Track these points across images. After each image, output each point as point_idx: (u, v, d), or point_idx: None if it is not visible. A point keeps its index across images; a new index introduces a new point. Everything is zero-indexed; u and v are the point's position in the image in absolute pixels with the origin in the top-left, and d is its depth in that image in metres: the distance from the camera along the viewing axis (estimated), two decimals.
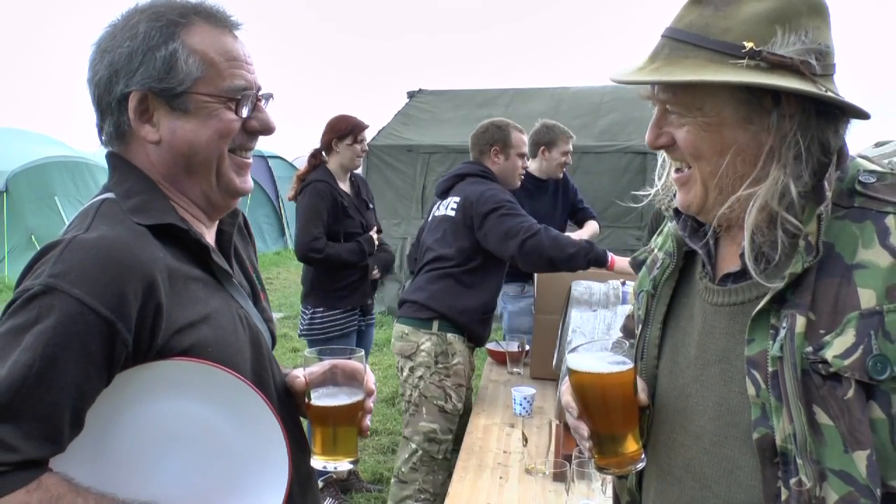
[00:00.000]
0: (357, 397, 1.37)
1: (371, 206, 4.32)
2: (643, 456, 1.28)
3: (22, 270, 1.17)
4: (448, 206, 3.59)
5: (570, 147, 4.62)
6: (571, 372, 1.29)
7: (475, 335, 3.53)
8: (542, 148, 4.58)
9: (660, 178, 1.36)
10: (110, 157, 1.33)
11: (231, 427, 1.22)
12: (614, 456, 1.27)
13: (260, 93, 1.34)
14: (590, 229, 4.77)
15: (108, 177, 1.33)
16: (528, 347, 3.90)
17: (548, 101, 9.50)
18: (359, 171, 4.39)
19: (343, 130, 4.09)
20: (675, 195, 1.28)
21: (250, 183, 1.38)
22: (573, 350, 1.32)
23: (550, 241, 3.28)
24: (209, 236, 1.38)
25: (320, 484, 4.27)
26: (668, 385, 1.30)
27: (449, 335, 3.43)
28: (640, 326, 1.40)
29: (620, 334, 1.68)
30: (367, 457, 4.96)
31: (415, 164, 8.71)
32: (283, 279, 11.93)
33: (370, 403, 1.42)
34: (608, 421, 1.27)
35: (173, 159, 1.28)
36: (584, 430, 1.30)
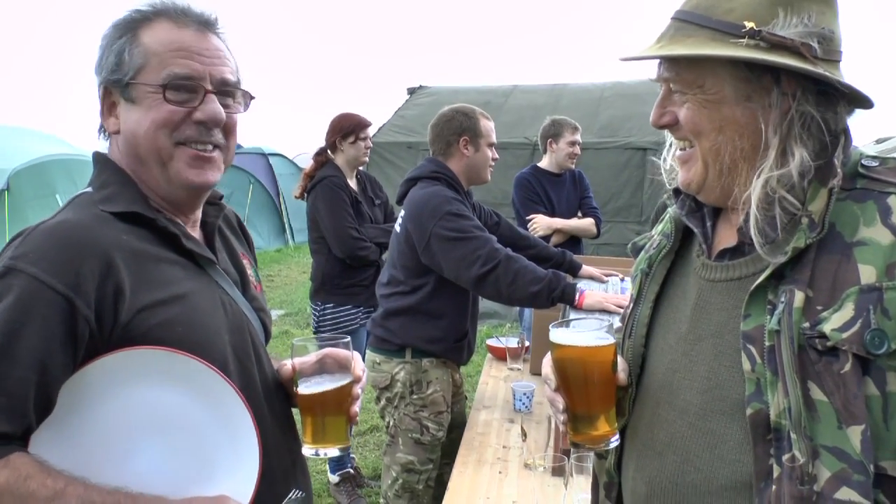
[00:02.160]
0: (342, 382, 1.39)
1: (378, 201, 4.34)
2: (617, 436, 1.29)
3: None
4: (398, 219, 3.25)
5: (578, 137, 4.71)
6: (553, 345, 1.31)
7: (453, 359, 3.26)
8: (549, 140, 4.71)
9: (664, 161, 1.37)
10: (95, 154, 1.40)
11: (199, 413, 1.23)
12: (588, 433, 1.29)
13: (216, 84, 1.34)
14: (581, 224, 4.75)
15: (93, 172, 1.39)
16: (528, 343, 3.91)
17: (547, 96, 9.51)
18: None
19: (346, 129, 4.11)
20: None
21: (210, 176, 1.37)
22: (555, 325, 1.33)
23: (511, 276, 2.89)
24: (192, 227, 1.42)
25: (336, 479, 4.30)
26: (656, 362, 1.31)
27: (424, 361, 3.15)
28: (632, 305, 1.42)
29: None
30: (368, 452, 4.98)
31: (415, 160, 8.66)
32: (285, 276, 11.94)
33: (358, 390, 1.44)
34: (585, 396, 1.28)
35: (127, 148, 1.34)
36: (560, 403, 1.31)
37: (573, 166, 4.78)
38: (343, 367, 1.41)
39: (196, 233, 1.43)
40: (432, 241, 2.96)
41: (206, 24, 1.36)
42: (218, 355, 1.28)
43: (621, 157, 8.13)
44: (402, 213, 3.18)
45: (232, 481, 1.25)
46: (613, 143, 8.17)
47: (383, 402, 3.22)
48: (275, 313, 9.45)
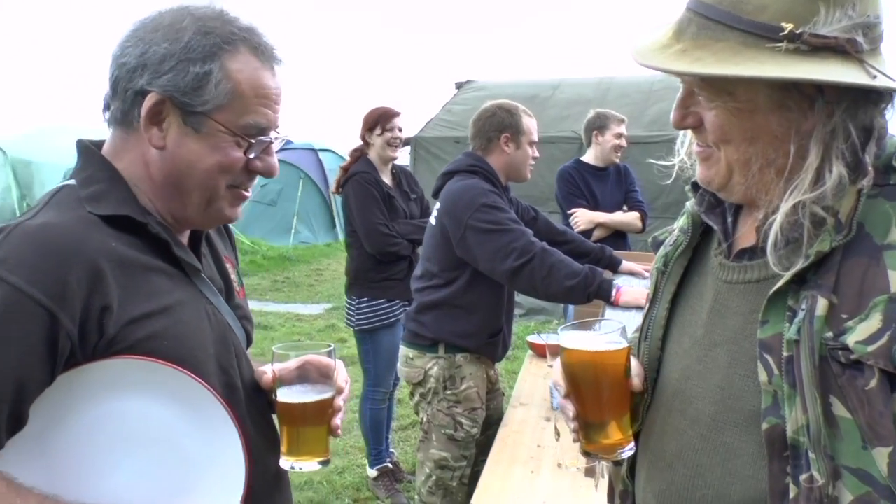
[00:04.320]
0: (325, 395, 1.32)
1: (414, 196, 4.31)
2: (632, 444, 1.22)
3: None
4: (434, 212, 3.22)
5: (623, 130, 4.62)
6: (562, 349, 1.25)
7: (486, 355, 3.22)
8: (595, 132, 4.62)
9: (682, 147, 1.27)
10: (80, 144, 1.29)
11: (182, 426, 1.17)
12: (600, 442, 1.23)
13: (275, 135, 1.29)
14: (625, 218, 4.65)
15: (76, 163, 1.28)
16: (558, 332, 3.84)
17: (595, 90, 9.38)
18: (403, 163, 4.38)
19: (371, 121, 4.10)
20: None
21: (240, 213, 1.33)
22: (566, 328, 1.28)
23: (547, 269, 2.84)
24: (181, 233, 1.33)
25: (374, 473, 4.31)
26: (670, 367, 1.23)
27: (458, 356, 3.11)
28: (648, 306, 1.33)
29: None
30: (409, 448, 4.96)
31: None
32: (333, 270, 12.02)
33: (340, 402, 1.35)
34: (597, 403, 1.22)
35: (170, 170, 1.23)
36: (571, 410, 1.25)
37: (618, 160, 4.69)
38: (325, 375, 1.33)
39: (184, 237, 1.34)
40: (467, 233, 2.93)
41: (277, 62, 1.29)
42: (203, 368, 1.21)
43: (671, 152, 7.95)
44: (438, 205, 3.15)
45: (215, 497, 1.19)
46: (663, 137, 7.99)
47: (417, 397, 3.21)
48: (321, 307, 9.56)
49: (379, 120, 4.08)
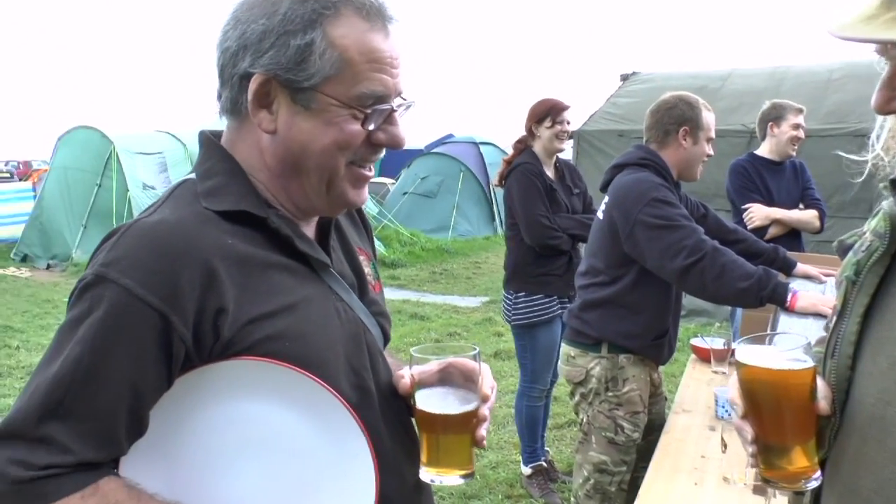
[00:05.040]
0: (469, 405, 1.19)
1: (577, 190, 4.22)
2: (818, 473, 1.10)
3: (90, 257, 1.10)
4: (601, 206, 3.11)
5: (801, 120, 4.33)
6: (740, 365, 1.14)
7: (651, 357, 3.09)
8: (771, 124, 4.36)
9: (878, 140, 1.14)
10: (202, 135, 1.23)
11: (305, 432, 1.10)
12: (782, 468, 1.11)
13: (398, 102, 1.18)
14: (803, 216, 4.38)
15: (198, 155, 1.23)
16: (734, 346, 3.65)
17: (768, 80, 8.87)
18: (566, 156, 4.31)
19: (541, 113, 4.03)
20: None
21: (366, 195, 1.25)
22: (745, 341, 1.17)
23: (718, 269, 2.67)
24: (307, 223, 1.25)
25: (528, 471, 4.28)
26: (863, 389, 1.09)
27: (621, 357, 3.00)
28: (835, 319, 1.18)
29: None
30: (564, 447, 4.89)
31: (626, 149, 8.44)
32: (492, 264, 12.08)
33: (485, 411, 1.23)
34: (778, 427, 1.11)
35: (284, 154, 1.15)
36: (749, 433, 1.14)
37: (794, 153, 4.41)
38: (469, 379, 1.21)
39: (311, 229, 1.26)
40: (637, 228, 2.82)
41: (389, 21, 1.17)
42: (331, 370, 1.14)
43: (850, 146, 7.32)
44: (606, 199, 3.05)
45: None
46: (842, 129, 7.50)
47: (577, 397, 3.13)
48: (479, 300, 9.62)
49: (550, 112, 4.01)
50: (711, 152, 3.08)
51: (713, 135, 3.07)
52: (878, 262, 1.11)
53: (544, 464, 4.32)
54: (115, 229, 1.08)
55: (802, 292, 2.61)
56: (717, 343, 3.71)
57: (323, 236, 1.29)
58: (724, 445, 2.50)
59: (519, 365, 4.24)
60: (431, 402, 1.20)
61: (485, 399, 1.24)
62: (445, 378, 1.22)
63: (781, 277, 2.80)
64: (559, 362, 3.27)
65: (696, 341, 3.83)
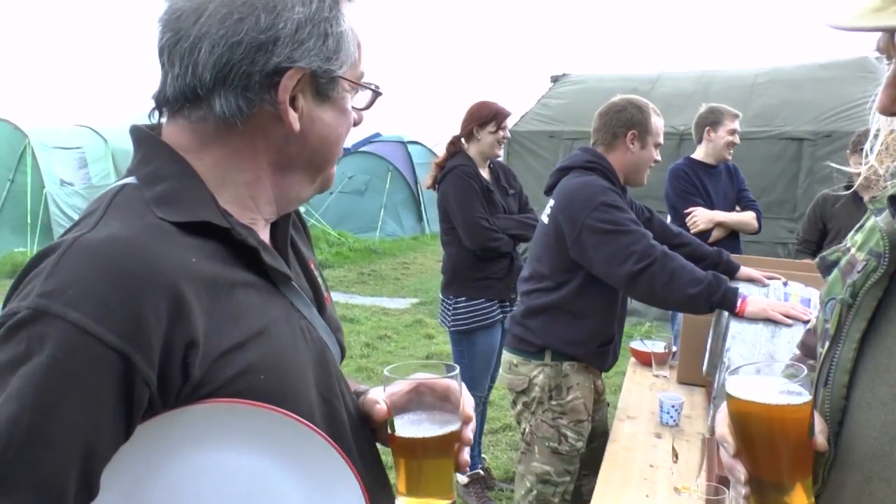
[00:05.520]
0: (451, 427, 1.10)
1: (512, 191, 4.14)
2: None
3: (11, 284, 0.89)
4: (546, 210, 3.03)
5: (737, 126, 4.43)
6: (730, 399, 1.06)
7: (595, 365, 3.02)
8: (708, 128, 4.44)
9: (871, 152, 1.08)
10: (137, 131, 1.05)
11: (290, 479, 0.94)
12: None
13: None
14: (743, 218, 4.47)
15: (133, 155, 1.04)
16: (675, 349, 3.63)
17: (696, 83, 9.04)
18: (499, 158, 4.24)
19: (485, 117, 3.93)
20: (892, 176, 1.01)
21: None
22: (734, 372, 1.08)
23: (668, 275, 2.62)
24: (261, 230, 1.09)
25: (465, 479, 4.17)
26: (862, 421, 1.01)
27: (565, 364, 2.93)
28: (828, 344, 1.10)
29: (797, 351, 1.43)
30: (500, 453, 4.81)
31: (557, 150, 8.46)
32: (420, 264, 11.97)
33: (468, 433, 1.13)
34: (774, 466, 1.03)
35: (298, 153, 1.05)
36: (742, 473, 1.05)
37: (730, 157, 4.50)
38: (445, 399, 1.11)
39: (266, 235, 1.12)
40: (584, 233, 2.74)
41: None
42: (304, 402, 1.00)
43: (774, 148, 7.61)
44: (551, 203, 2.96)
45: None
46: (767, 132, 7.65)
47: (519, 406, 3.03)
48: (408, 301, 9.48)
49: (495, 117, 3.92)
50: (659, 158, 3.03)
51: (661, 140, 3.02)
52: (877, 284, 1.03)
53: (481, 472, 4.23)
54: (48, 248, 0.88)
55: (752, 297, 2.56)
56: (657, 346, 3.68)
57: (277, 242, 1.15)
58: (675, 455, 2.44)
59: None
60: (408, 426, 1.10)
61: (467, 420, 1.13)
62: (417, 399, 1.11)
63: (730, 281, 2.77)
64: (500, 370, 3.17)
65: (635, 345, 3.79)
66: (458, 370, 1.13)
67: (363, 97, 1.11)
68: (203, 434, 0.90)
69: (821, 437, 1.03)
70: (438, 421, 1.10)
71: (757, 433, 1.03)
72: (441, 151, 4.14)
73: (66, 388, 0.80)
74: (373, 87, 1.10)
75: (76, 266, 0.83)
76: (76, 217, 0.96)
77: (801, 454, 1.02)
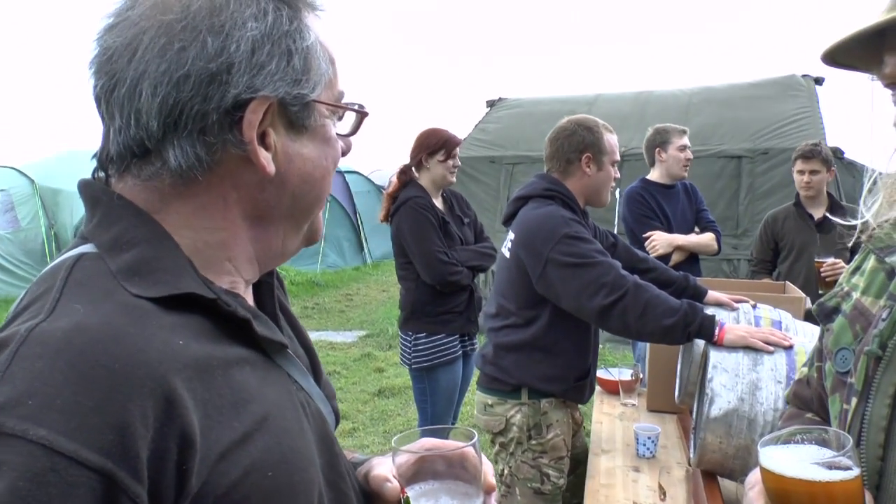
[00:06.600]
0: (474, 500, 0.96)
1: (467, 219, 4.03)
2: None
3: None
4: (506, 243, 2.91)
5: (686, 141, 4.40)
6: (769, 474, 0.96)
7: (573, 399, 2.91)
8: (658, 149, 4.41)
9: (872, 198, 1.00)
10: (89, 187, 0.86)
11: None
12: None
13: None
14: (702, 240, 4.42)
15: (86, 217, 0.86)
16: (642, 375, 3.57)
17: (633, 104, 9.16)
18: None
19: (433, 146, 3.81)
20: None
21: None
22: (767, 443, 0.99)
23: (641, 307, 2.50)
24: (245, 293, 0.93)
25: None
26: None
27: (543, 402, 2.81)
28: (854, 400, 1.02)
29: (788, 404, 1.35)
30: None
31: (498, 175, 8.45)
32: (364, 295, 11.80)
33: (493, 503, 1.00)
34: None
35: (276, 199, 0.88)
36: None
37: (686, 174, 4.46)
38: (461, 467, 0.97)
39: (249, 298, 0.95)
40: (549, 268, 2.63)
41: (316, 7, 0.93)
42: (315, 494, 0.85)
43: (714, 167, 7.73)
44: (511, 236, 2.86)
45: None
46: (705, 151, 7.75)
47: (496, 447, 2.91)
48: (355, 334, 9.29)
49: (445, 146, 3.80)
50: (618, 175, 2.94)
51: (618, 157, 2.92)
52: None
53: None
54: None
55: (729, 325, 2.50)
56: (624, 374, 3.62)
57: (264, 305, 0.99)
58: (663, 493, 2.36)
59: (418, 409, 3.98)
60: (425, 501, 0.96)
61: (490, 490, 0.98)
62: (426, 467, 0.97)
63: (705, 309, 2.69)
64: (476, 412, 3.05)
65: (601, 373, 3.71)
66: (476, 438, 0.98)
67: (347, 121, 0.95)
68: None
69: None
70: (457, 493, 0.97)
71: None
72: (377, 179, 4.02)
73: None
74: (356, 107, 0.93)
75: (35, 367, 0.65)
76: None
77: None
